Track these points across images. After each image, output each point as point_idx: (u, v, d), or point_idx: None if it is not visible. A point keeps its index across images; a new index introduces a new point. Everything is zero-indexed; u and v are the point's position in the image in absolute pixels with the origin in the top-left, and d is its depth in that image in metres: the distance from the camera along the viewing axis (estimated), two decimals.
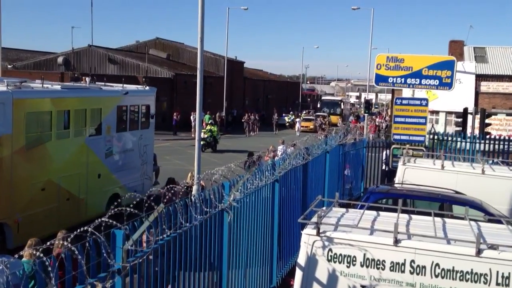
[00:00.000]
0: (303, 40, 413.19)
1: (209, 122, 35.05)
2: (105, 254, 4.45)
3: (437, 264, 5.99)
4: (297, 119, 51.99)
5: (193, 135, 35.43)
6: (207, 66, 55.08)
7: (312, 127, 50.25)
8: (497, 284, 5.81)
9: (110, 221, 4.62)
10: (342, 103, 67.03)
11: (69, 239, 4.12)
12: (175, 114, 41.06)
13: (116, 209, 5.00)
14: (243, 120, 45.59)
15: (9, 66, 48.22)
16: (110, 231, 4.64)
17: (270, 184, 8.97)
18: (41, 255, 3.80)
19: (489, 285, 5.84)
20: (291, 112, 61.43)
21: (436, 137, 19.49)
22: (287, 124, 55.06)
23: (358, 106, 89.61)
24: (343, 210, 7.49)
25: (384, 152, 19.06)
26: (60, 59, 49.50)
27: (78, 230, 4.34)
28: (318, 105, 67.26)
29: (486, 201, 10.53)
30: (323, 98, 74.35)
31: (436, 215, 7.13)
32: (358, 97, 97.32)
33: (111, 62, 50.53)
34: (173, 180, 12.74)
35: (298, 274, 6.41)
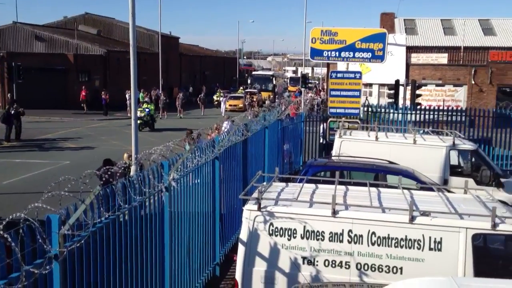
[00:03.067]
0: (239, 14, 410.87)
1: (144, 100, 34.28)
2: (40, 240, 4.29)
3: (373, 233, 6.24)
4: (222, 98, 45.52)
5: (129, 114, 34.60)
6: (140, 42, 53.66)
7: (242, 106, 44.63)
8: (430, 249, 6.12)
9: (44, 205, 4.44)
10: (274, 78, 61.84)
11: (1, 226, 3.93)
12: (103, 94, 39.55)
13: (50, 193, 4.81)
14: (159, 102, 39.70)
15: None
16: (45, 216, 4.47)
17: (210, 161, 8.94)
18: None
19: (422, 250, 6.14)
20: (218, 90, 54.33)
21: (370, 109, 20.06)
22: (215, 102, 48.93)
23: (284, 81, 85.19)
24: (283, 184, 7.60)
25: (321, 126, 19.42)
26: None
27: (10, 217, 4.15)
28: (249, 81, 62.76)
29: (419, 169, 10.99)
30: (253, 73, 69.90)
31: (372, 185, 7.38)
32: (295, 72, 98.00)
33: (38, 39, 48.12)
34: (109, 161, 12.40)
35: (241, 249, 6.48)
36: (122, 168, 8.22)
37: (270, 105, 17.30)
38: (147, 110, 30.79)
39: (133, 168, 10.29)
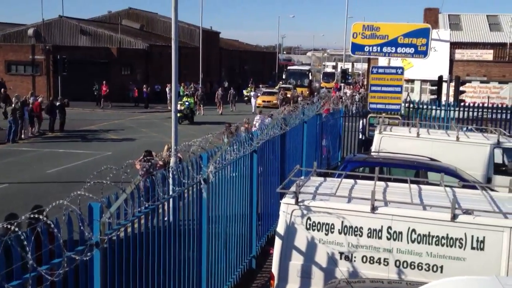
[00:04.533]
0: (279, 9, 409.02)
1: (184, 94, 34.61)
2: (82, 227, 4.39)
3: (413, 230, 6.11)
4: (252, 93, 42.28)
5: (169, 107, 35.05)
6: (182, 37, 54.24)
7: (276, 102, 41.15)
8: (472, 248, 5.96)
9: (87, 194, 4.55)
10: (310, 73, 57.43)
11: (44, 213, 4.04)
12: (144, 87, 40.07)
13: (92, 182, 4.92)
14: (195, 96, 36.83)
15: None
16: (87, 204, 4.57)
17: (248, 154, 8.96)
18: (16, 229, 3.72)
19: (464, 249, 5.97)
20: (250, 85, 50.40)
21: (411, 105, 19.67)
22: (245, 98, 45.36)
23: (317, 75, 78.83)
24: (321, 179, 7.54)
25: (361, 121, 19.18)
26: (30, 31, 48.19)
27: (54, 204, 4.27)
28: (284, 76, 59.18)
29: (461, 167, 10.71)
30: (288, 67, 65.37)
31: (412, 182, 7.23)
32: (335, 67, 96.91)
33: (83, 33, 49.35)
34: (150, 152, 12.62)
35: (278, 242, 6.47)
36: (162, 159, 8.35)
37: (304, 102, 16.23)
38: (187, 103, 31.13)
39: (172, 159, 10.42)
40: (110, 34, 48.93)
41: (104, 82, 38.06)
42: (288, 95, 43.54)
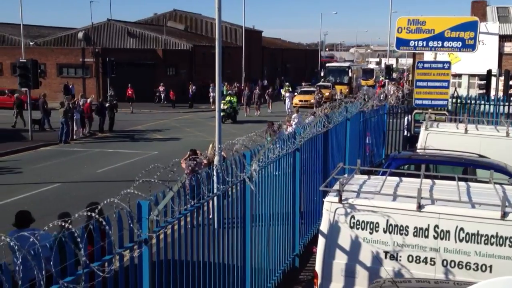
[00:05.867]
0: (322, 6, 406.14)
1: (227, 93, 34.90)
2: (131, 225, 4.54)
3: (462, 229, 5.97)
4: (287, 94, 39.75)
5: (212, 107, 35.43)
6: (225, 37, 54.71)
7: (314, 102, 38.07)
8: None
9: (135, 192, 4.69)
10: (350, 70, 53.12)
11: (96, 211, 4.21)
12: (189, 86, 40.66)
13: (141, 181, 5.07)
14: (242, 97, 36.63)
15: (31, 43, 48.77)
16: (136, 202, 4.72)
17: (291, 153, 8.98)
18: (70, 226, 3.89)
19: None
20: (286, 83, 46.77)
21: (459, 100, 19.19)
22: (283, 98, 42.50)
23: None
24: (365, 177, 7.47)
25: (406, 118, 18.84)
26: (80, 35, 49.83)
27: (105, 202, 4.43)
28: (322, 74, 56.51)
29: (511, 164, 10.38)
30: (327, 64, 60.24)
31: (460, 179, 7.06)
32: (378, 63, 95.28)
33: (130, 35, 50.62)
34: (195, 151, 12.82)
35: (321, 241, 6.46)
36: (206, 157, 8.49)
37: (348, 99, 15.44)
38: (230, 102, 31.39)
39: (216, 158, 10.56)
40: (156, 35, 49.96)
41: (129, 85, 36.97)
42: (326, 94, 41.06)
